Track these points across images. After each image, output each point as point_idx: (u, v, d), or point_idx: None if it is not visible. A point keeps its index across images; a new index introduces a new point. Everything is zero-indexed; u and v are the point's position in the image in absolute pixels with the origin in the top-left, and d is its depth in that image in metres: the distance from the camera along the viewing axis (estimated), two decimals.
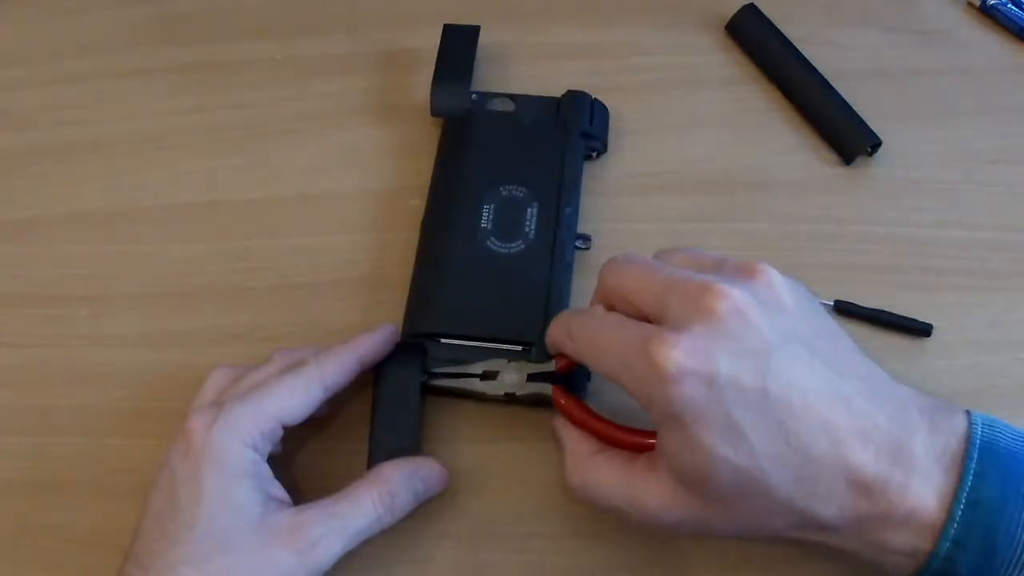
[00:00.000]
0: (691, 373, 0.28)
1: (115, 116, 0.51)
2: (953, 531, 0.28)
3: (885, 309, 0.43)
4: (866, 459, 0.28)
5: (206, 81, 0.53)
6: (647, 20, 0.55)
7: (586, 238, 0.44)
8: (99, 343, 0.43)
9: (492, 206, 0.43)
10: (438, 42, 0.49)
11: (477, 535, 0.38)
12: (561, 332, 0.34)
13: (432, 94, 0.47)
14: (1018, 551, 0.28)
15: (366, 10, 0.56)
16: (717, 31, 0.54)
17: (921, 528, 0.28)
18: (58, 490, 0.39)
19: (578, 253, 0.44)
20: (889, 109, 0.49)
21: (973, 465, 0.28)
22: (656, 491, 0.31)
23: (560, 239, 0.42)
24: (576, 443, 0.35)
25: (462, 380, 0.39)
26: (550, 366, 0.38)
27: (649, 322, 0.30)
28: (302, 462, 0.39)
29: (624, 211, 0.47)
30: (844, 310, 0.43)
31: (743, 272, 0.30)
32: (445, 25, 0.50)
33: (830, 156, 0.49)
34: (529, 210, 0.43)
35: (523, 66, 0.52)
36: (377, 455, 0.37)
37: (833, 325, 0.31)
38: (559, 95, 0.48)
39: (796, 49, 0.52)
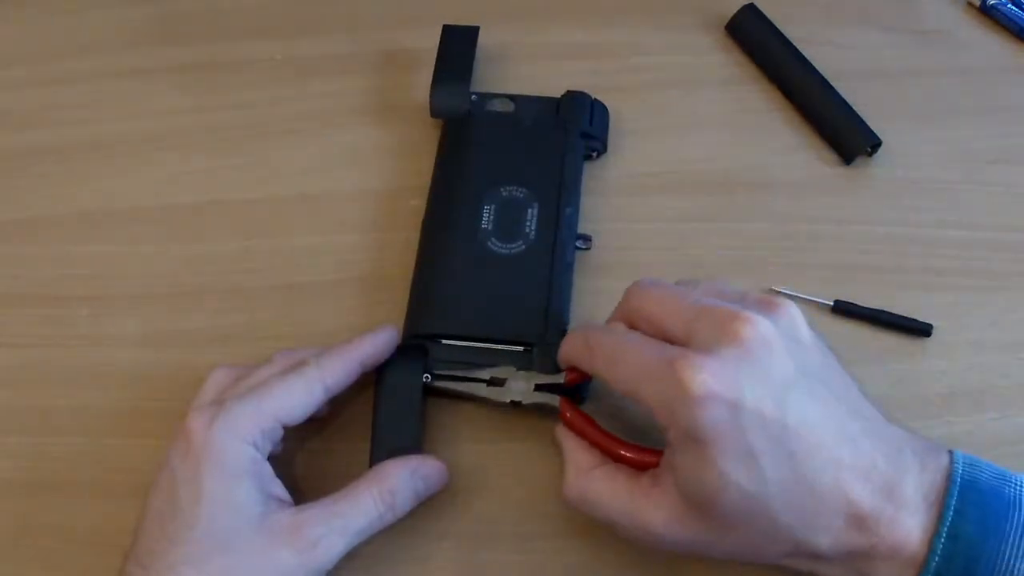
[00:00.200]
0: (716, 396, 0.28)
1: (115, 116, 0.51)
2: (935, 564, 0.29)
3: (885, 309, 0.43)
4: (865, 495, 0.29)
5: (206, 81, 0.53)
6: (647, 20, 0.55)
7: (586, 238, 0.44)
8: (99, 343, 0.43)
9: (492, 207, 0.43)
10: (438, 42, 0.49)
11: (477, 535, 0.38)
12: (578, 346, 0.34)
13: (432, 95, 0.47)
14: None
15: (366, 10, 0.56)
16: (717, 31, 0.54)
17: (905, 562, 0.29)
18: (58, 490, 0.39)
19: (578, 253, 0.44)
20: (889, 109, 0.49)
21: (953, 502, 0.29)
22: (659, 509, 0.31)
23: (561, 239, 0.42)
24: (577, 455, 0.35)
25: (468, 385, 0.39)
26: (559, 378, 0.38)
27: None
28: (302, 462, 0.39)
29: (624, 211, 0.47)
30: (844, 310, 0.43)
31: (765, 306, 0.31)
32: (444, 26, 0.50)
33: (830, 156, 0.49)
34: (529, 210, 0.43)
35: (523, 66, 0.52)
36: (379, 455, 0.37)
37: (839, 365, 0.32)
38: (559, 95, 0.48)
39: (796, 49, 0.52)
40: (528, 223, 0.43)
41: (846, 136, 0.48)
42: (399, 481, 0.35)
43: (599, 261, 0.44)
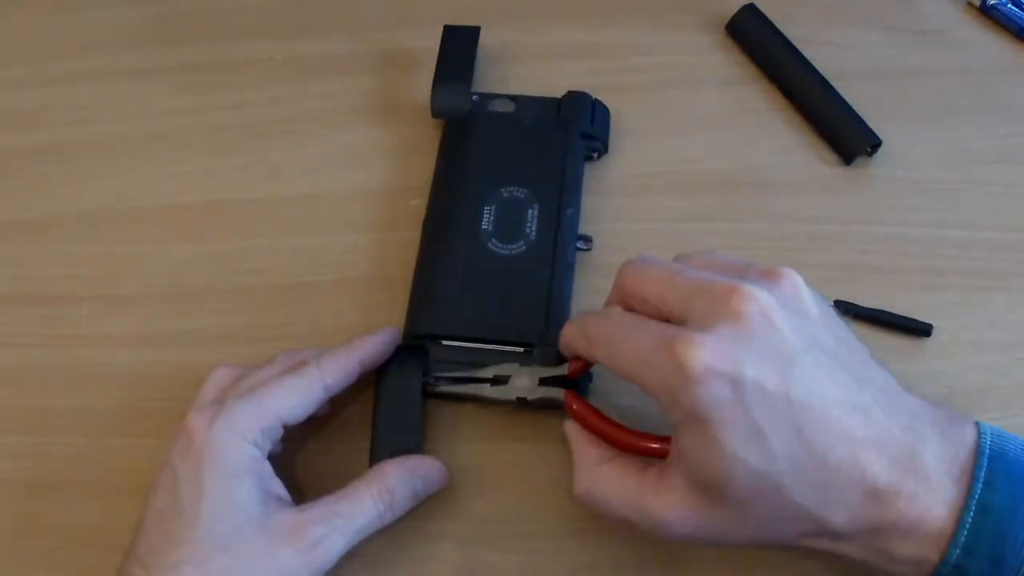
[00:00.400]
0: (717, 373, 0.28)
1: (115, 116, 0.51)
2: (963, 538, 0.28)
3: (885, 309, 0.43)
4: (880, 469, 0.28)
5: (206, 81, 0.53)
6: (647, 20, 0.55)
7: (587, 239, 0.44)
8: (99, 343, 0.43)
9: (493, 207, 0.43)
10: (439, 42, 0.49)
11: (477, 535, 0.38)
12: (577, 333, 0.34)
13: (433, 95, 0.47)
14: None
15: (366, 10, 0.56)
16: (717, 31, 0.54)
17: (928, 537, 0.28)
18: (58, 490, 0.39)
19: (579, 254, 0.44)
20: (889, 109, 0.49)
21: (982, 474, 0.28)
22: (669, 500, 0.31)
23: (561, 240, 0.42)
24: (585, 450, 0.35)
25: (472, 386, 0.39)
26: (562, 370, 0.38)
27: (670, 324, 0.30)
28: (302, 462, 0.39)
29: (624, 211, 0.47)
30: (844, 310, 0.43)
31: (768, 277, 0.30)
32: (445, 26, 0.50)
33: (830, 156, 0.49)
34: (530, 211, 0.43)
35: (523, 66, 0.52)
36: (379, 455, 0.37)
37: (851, 334, 0.31)
38: (559, 95, 0.48)
39: (796, 49, 0.52)
40: (529, 223, 0.43)
41: (846, 136, 0.48)
42: (398, 481, 0.35)
43: (599, 261, 0.44)
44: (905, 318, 0.43)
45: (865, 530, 0.29)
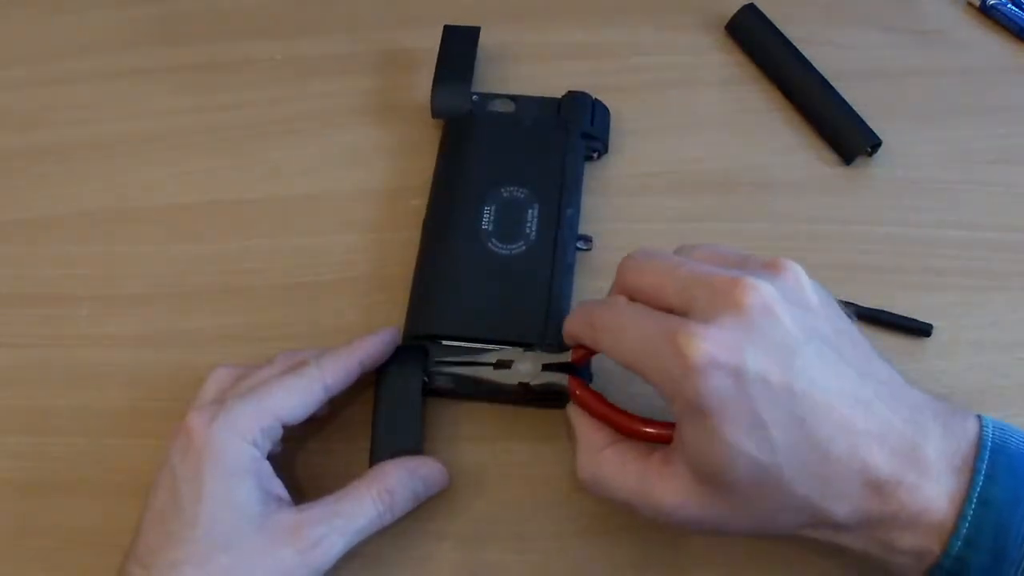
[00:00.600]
0: (718, 365, 0.27)
1: (115, 116, 0.51)
2: (965, 530, 0.28)
3: (885, 309, 0.43)
4: (881, 460, 0.28)
5: (206, 81, 0.53)
6: (647, 20, 0.55)
7: (587, 239, 0.44)
8: (99, 343, 0.43)
9: (493, 207, 0.43)
10: (439, 42, 0.49)
11: (477, 535, 0.38)
12: (581, 322, 0.34)
13: (433, 96, 0.47)
14: None
15: (366, 10, 0.56)
16: (717, 31, 0.54)
17: (929, 529, 0.28)
18: (58, 490, 0.39)
19: (579, 254, 0.44)
20: (889, 109, 0.49)
21: (984, 466, 0.28)
22: (671, 487, 0.31)
23: (561, 240, 0.42)
24: (589, 435, 0.34)
25: (474, 368, 0.38)
26: (565, 356, 0.37)
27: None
28: (302, 462, 0.39)
29: (624, 211, 0.47)
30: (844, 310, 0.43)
31: (769, 268, 0.31)
32: (445, 26, 0.50)
33: (830, 156, 0.49)
34: (530, 211, 0.43)
35: (523, 66, 0.52)
36: (379, 456, 0.37)
37: (853, 327, 0.31)
38: (559, 95, 0.48)
39: (796, 49, 0.52)
40: (529, 224, 0.43)
41: (846, 136, 0.48)
42: (399, 481, 0.35)
43: (599, 261, 0.44)
44: (905, 318, 0.43)
45: (866, 521, 0.29)
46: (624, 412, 0.34)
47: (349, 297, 0.44)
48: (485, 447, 0.40)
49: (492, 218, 0.43)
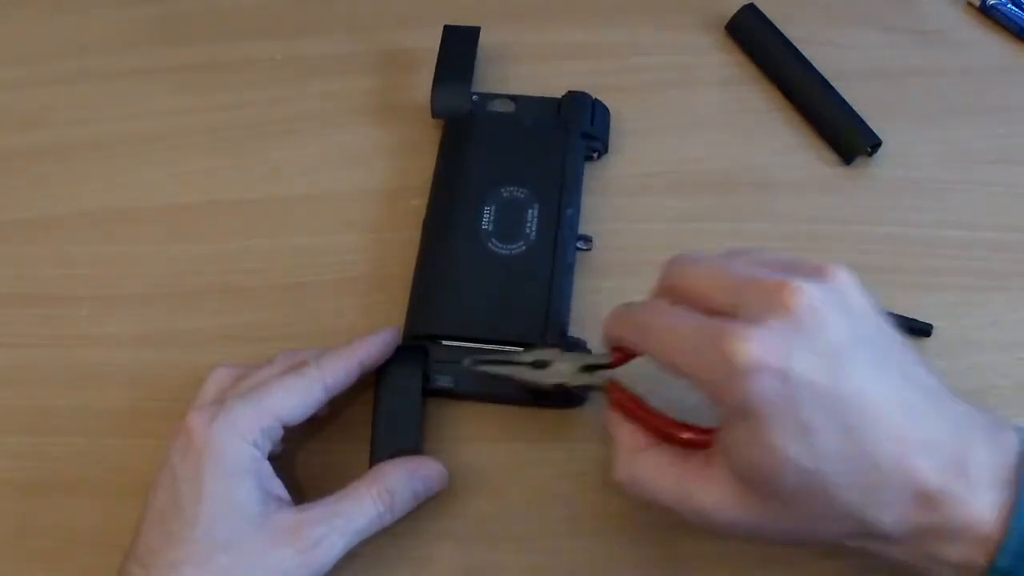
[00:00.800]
0: (765, 368, 0.27)
1: (115, 116, 0.51)
2: (1012, 544, 0.27)
3: (885, 309, 0.43)
4: (930, 471, 0.27)
5: (206, 81, 0.53)
6: (647, 20, 0.55)
7: (587, 239, 0.44)
8: (99, 343, 0.43)
9: (493, 207, 0.43)
10: (439, 42, 0.49)
11: (477, 535, 0.38)
12: (623, 324, 0.33)
13: (433, 95, 0.47)
14: None
15: (366, 10, 0.56)
16: (717, 31, 0.54)
17: (977, 541, 0.28)
18: (58, 490, 0.39)
19: (579, 254, 0.44)
20: (889, 109, 0.49)
21: None
22: (712, 489, 0.30)
23: (561, 240, 0.42)
24: (627, 437, 0.34)
25: (511, 367, 0.38)
26: (605, 358, 0.37)
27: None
28: (302, 462, 0.39)
29: (624, 211, 0.47)
30: None
31: (818, 272, 0.30)
32: (446, 26, 0.50)
33: (830, 156, 0.49)
34: (530, 211, 0.43)
35: (523, 66, 0.52)
36: (379, 456, 0.37)
37: (899, 335, 0.31)
38: (559, 95, 0.48)
39: (796, 49, 0.52)
40: (529, 224, 0.43)
41: (846, 136, 0.48)
42: (398, 482, 0.35)
43: (599, 261, 0.44)
44: (905, 318, 0.42)
45: (912, 533, 0.28)
46: (662, 415, 0.34)
47: (349, 297, 0.44)
48: (485, 447, 0.40)
49: (492, 218, 0.43)
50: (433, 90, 0.47)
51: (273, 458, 0.35)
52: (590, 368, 0.37)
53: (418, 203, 0.46)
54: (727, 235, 0.46)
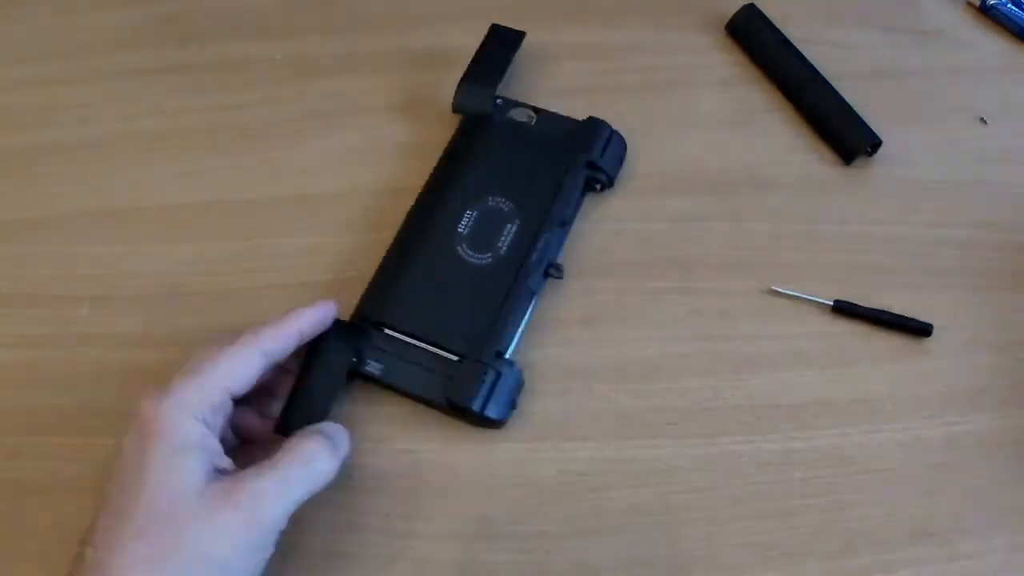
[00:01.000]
0: None
1: (115, 116, 0.51)
2: None
3: (885, 309, 0.43)
4: None
5: (206, 81, 0.53)
6: (647, 20, 0.55)
7: (559, 267, 0.43)
8: (99, 343, 0.43)
9: (475, 213, 0.43)
10: (438, 42, 0.49)
11: (477, 535, 0.38)
12: None
13: (457, 90, 0.47)
14: None
15: (367, 10, 0.56)
16: (717, 31, 0.54)
17: None
18: (58, 490, 0.39)
19: (550, 281, 0.43)
20: (889, 109, 0.49)
21: None
22: None
23: (530, 263, 0.42)
24: None
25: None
26: None
27: None
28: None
29: (624, 211, 0.47)
30: (844, 310, 0.43)
31: None
32: (492, 25, 0.49)
33: (830, 156, 0.49)
34: (509, 226, 0.43)
35: (524, 66, 0.52)
36: (291, 420, 0.37)
37: None
38: (582, 117, 0.47)
39: (796, 49, 0.52)
40: (504, 237, 0.42)
41: (846, 136, 0.48)
42: (326, 427, 0.36)
43: (599, 261, 0.44)
44: (905, 318, 0.43)
45: None
46: None
47: (349, 297, 0.44)
48: (484, 447, 0.40)
49: (470, 223, 0.43)
50: (459, 85, 0.47)
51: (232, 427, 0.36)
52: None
53: None
54: (727, 235, 0.46)
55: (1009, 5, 0.54)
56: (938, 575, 0.37)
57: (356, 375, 0.40)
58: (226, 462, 0.34)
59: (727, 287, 0.44)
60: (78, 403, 0.41)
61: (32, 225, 0.47)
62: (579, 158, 0.45)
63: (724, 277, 0.44)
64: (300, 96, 0.52)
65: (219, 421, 0.35)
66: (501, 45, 0.49)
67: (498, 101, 0.47)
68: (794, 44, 0.52)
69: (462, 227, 0.43)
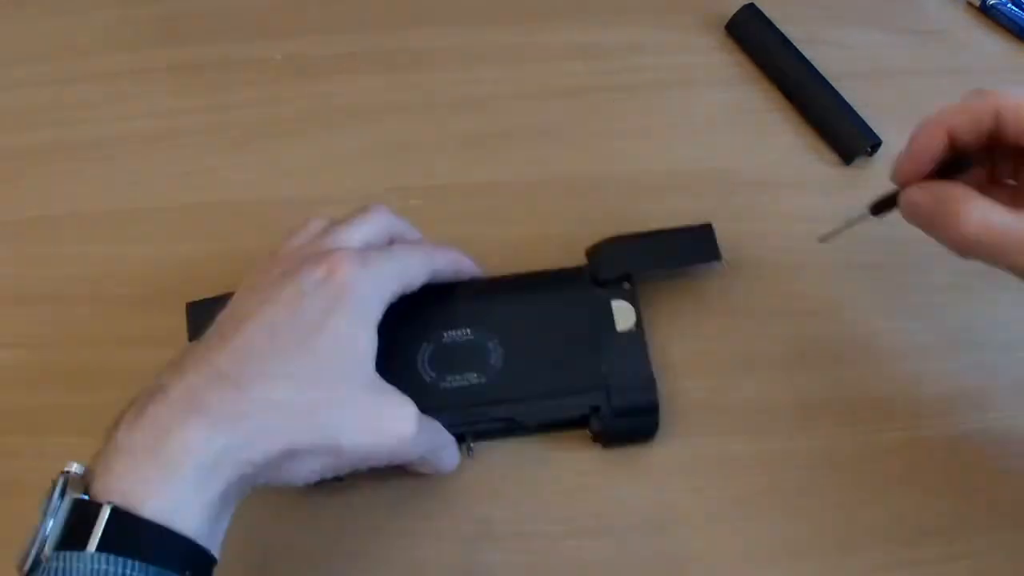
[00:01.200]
0: None
1: (115, 116, 0.51)
2: None
3: (885, 309, 0.43)
4: None
5: (206, 81, 0.53)
6: (647, 20, 0.55)
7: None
8: (99, 343, 0.43)
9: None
10: (438, 41, 0.49)
11: (477, 535, 0.38)
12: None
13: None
14: None
15: (367, 10, 0.56)
16: (717, 31, 0.54)
17: None
18: None
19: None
20: (889, 109, 0.49)
21: None
22: None
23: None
24: (954, 190, 0.32)
25: None
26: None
27: None
28: None
29: (624, 211, 0.47)
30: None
31: None
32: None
33: (830, 156, 0.49)
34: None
35: (524, 66, 0.52)
36: None
37: None
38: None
39: (796, 49, 0.52)
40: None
41: (846, 136, 0.48)
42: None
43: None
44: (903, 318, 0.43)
45: None
46: None
47: None
48: (484, 447, 0.40)
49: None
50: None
51: None
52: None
53: (417, 203, 0.46)
54: (727, 235, 0.46)
55: (1009, 5, 0.54)
56: (938, 575, 0.37)
57: None
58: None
59: None
60: (78, 403, 0.41)
61: (32, 225, 0.47)
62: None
63: None
64: (300, 96, 0.52)
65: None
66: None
67: (625, 286, 0.41)
68: (794, 44, 0.52)
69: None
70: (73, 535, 0.28)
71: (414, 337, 0.39)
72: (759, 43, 0.52)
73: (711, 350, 0.43)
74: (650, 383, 0.38)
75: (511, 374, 0.39)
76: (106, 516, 0.28)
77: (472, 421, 0.38)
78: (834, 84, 0.50)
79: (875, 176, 0.48)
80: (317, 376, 0.31)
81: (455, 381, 0.39)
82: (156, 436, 0.29)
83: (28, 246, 0.46)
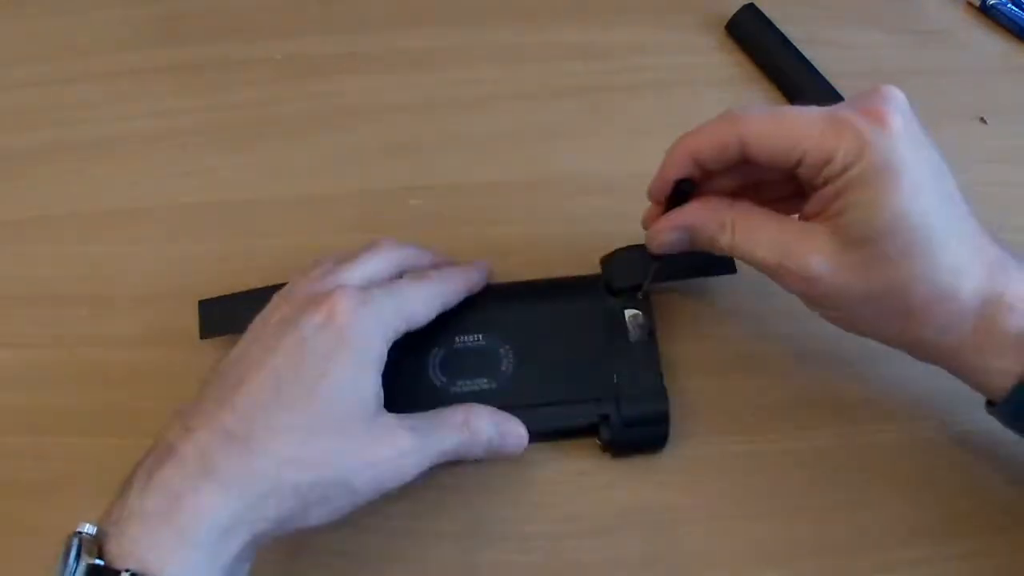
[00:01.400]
0: (909, 134, 0.31)
1: (115, 116, 0.51)
2: None
3: None
4: (991, 245, 0.33)
5: (206, 81, 0.53)
6: (647, 20, 0.55)
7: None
8: (99, 343, 0.43)
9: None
10: (438, 42, 0.49)
11: (477, 535, 0.38)
12: (721, 132, 0.34)
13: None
14: None
15: (367, 10, 0.56)
16: (717, 31, 0.54)
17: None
18: (57, 490, 0.39)
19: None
20: None
21: None
22: (818, 247, 0.32)
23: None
24: (708, 205, 0.35)
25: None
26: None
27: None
28: None
29: (624, 211, 0.46)
30: None
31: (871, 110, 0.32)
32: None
33: None
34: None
35: (524, 66, 0.52)
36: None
37: None
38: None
39: (796, 49, 0.52)
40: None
41: None
42: (481, 420, 0.36)
43: (598, 262, 0.44)
44: None
45: (982, 301, 0.32)
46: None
47: None
48: None
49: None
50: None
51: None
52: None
53: (417, 203, 0.46)
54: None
55: (1009, 5, 0.54)
56: (937, 575, 0.37)
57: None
58: (382, 391, 0.34)
59: None
60: (78, 403, 0.41)
61: (32, 225, 0.47)
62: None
63: None
64: (300, 96, 0.52)
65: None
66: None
67: (639, 295, 0.41)
68: (794, 44, 0.52)
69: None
70: None
71: (425, 341, 0.39)
72: (759, 43, 0.52)
73: (711, 350, 0.43)
74: (662, 394, 0.38)
75: (522, 380, 0.39)
76: None
77: None
78: (834, 84, 0.50)
79: None
80: (323, 425, 0.32)
81: (465, 386, 0.39)
82: (169, 502, 0.30)
83: (28, 246, 0.46)
